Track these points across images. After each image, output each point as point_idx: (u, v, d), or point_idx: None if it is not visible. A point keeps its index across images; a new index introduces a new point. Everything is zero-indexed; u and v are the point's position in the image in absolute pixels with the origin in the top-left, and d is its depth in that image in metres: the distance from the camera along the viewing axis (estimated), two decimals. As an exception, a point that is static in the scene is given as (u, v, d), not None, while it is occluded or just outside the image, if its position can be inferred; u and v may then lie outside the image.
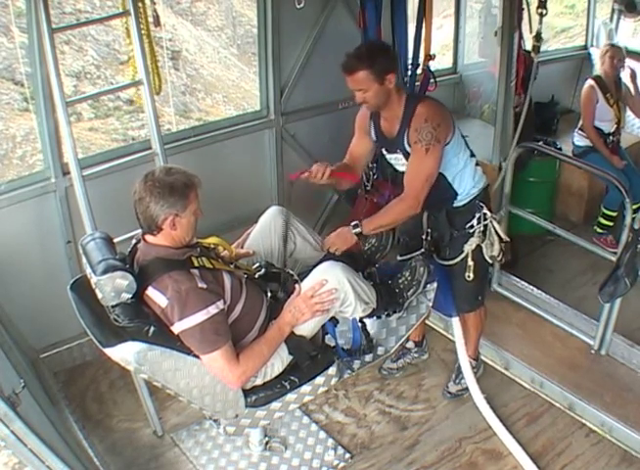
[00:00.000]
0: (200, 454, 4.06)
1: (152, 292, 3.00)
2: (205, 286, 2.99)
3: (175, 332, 3.00)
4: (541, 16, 4.86)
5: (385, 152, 3.90)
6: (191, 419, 4.28)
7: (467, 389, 4.39)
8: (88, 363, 4.70)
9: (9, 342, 4.08)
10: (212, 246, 3.33)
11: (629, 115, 6.28)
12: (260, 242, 3.64)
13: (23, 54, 5.75)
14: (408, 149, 3.65)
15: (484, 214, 3.90)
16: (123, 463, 4.02)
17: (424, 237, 4.07)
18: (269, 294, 3.43)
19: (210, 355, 3.00)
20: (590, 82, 5.89)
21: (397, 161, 3.82)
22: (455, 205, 3.92)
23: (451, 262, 4.03)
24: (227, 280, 3.16)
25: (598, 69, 5.99)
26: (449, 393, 4.50)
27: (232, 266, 3.37)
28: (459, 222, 3.95)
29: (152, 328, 2.96)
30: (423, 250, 4.05)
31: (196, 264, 3.07)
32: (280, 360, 3.30)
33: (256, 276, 3.47)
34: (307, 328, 3.30)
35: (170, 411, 4.34)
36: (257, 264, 3.52)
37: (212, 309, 2.96)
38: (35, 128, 4.79)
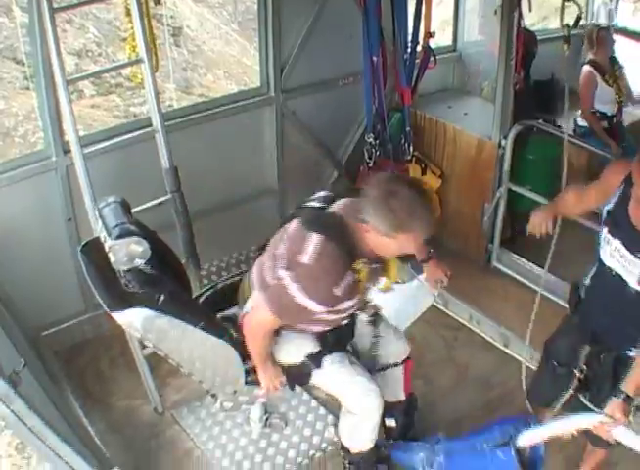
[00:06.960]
0: (200, 431, 4.08)
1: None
2: (339, 294, 2.91)
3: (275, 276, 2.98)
4: None
5: (619, 245, 3.02)
6: (191, 396, 4.29)
7: None
8: (88, 341, 4.72)
9: (9, 321, 4.09)
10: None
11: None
12: None
13: (24, 33, 5.74)
14: None
15: None
16: (124, 441, 4.05)
17: (577, 372, 3.35)
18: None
19: (261, 308, 2.99)
20: (588, 68, 5.99)
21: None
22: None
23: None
24: (349, 302, 3.07)
25: (589, 50, 6.04)
26: None
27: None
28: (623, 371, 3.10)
29: (162, 296, 2.97)
30: (571, 390, 3.37)
31: (356, 268, 2.96)
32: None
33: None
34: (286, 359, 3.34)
35: (171, 388, 4.37)
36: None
37: (304, 299, 2.88)
38: (36, 107, 4.79)
